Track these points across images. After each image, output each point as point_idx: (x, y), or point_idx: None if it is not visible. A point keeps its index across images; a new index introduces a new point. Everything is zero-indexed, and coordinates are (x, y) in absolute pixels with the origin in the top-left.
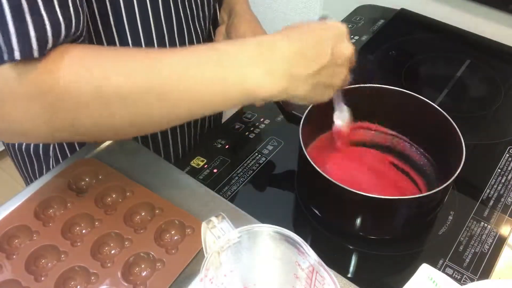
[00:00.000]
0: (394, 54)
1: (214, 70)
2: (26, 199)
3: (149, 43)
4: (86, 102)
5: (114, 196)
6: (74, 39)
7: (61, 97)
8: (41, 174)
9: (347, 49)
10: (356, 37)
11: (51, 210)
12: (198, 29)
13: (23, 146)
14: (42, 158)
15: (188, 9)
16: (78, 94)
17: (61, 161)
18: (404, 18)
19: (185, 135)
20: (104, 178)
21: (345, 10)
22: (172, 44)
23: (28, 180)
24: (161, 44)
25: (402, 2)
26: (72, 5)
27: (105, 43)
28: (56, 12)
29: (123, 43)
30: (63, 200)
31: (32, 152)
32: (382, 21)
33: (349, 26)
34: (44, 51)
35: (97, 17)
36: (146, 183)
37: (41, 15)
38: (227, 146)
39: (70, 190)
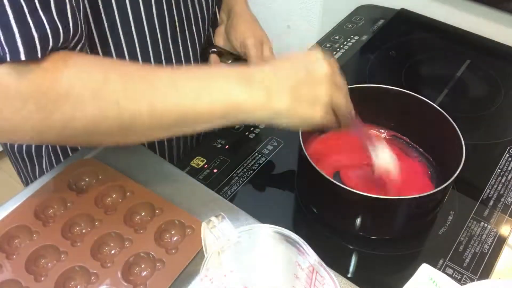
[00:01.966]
0: (394, 54)
1: (201, 83)
2: (26, 199)
3: (143, 45)
4: (82, 104)
5: (114, 196)
6: (73, 45)
7: (58, 98)
8: (34, 174)
9: (321, 67)
10: (356, 37)
11: (51, 210)
12: (195, 31)
13: (16, 148)
14: (35, 159)
15: (183, 11)
16: (76, 96)
17: (53, 161)
18: (404, 18)
19: (185, 137)
20: (104, 178)
21: (345, 10)
22: (165, 45)
23: (25, 181)
24: (155, 45)
25: (402, 2)
26: (70, 11)
27: (98, 46)
28: (54, 17)
29: (118, 46)
30: (63, 200)
31: (25, 154)
32: (382, 21)
33: (349, 26)
34: (45, 52)
35: (90, 19)
36: (146, 183)
37: (41, 18)
38: (227, 146)
39: (70, 190)
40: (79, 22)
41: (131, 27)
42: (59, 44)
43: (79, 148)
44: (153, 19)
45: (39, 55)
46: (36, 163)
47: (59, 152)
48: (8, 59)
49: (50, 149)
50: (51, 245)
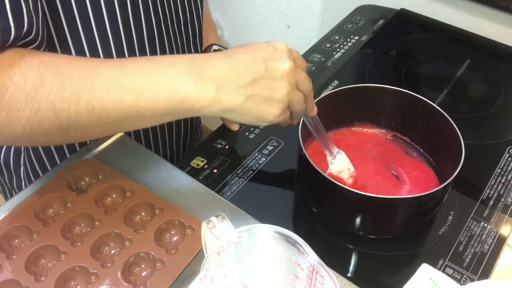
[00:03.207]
0: (394, 54)
1: (145, 77)
2: (26, 199)
3: (118, 45)
4: (17, 107)
5: (114, 196)
6: (27, 42)
7: None
8: (12, 184)
9: (283, 64)
10: (356, 37)
11: (51, 210)
12: (171, 34)
13: None
14: (12, 169)
15: (160, 14)
16: (10, 99)
17: (30, 171)
18: (404, 18)
19: (185, 137)
20: (104, 178)
21: (345, 10)
22: (142, 48)
23: (2, 191)
24: (130, 44)
25: (402, 2)
26: (26, 8)
27: (71, 47)
28: (7, 13)
29: (92, 49)
30: (63, 200)
31: (2, 163)
32: (382, 21)
33: (349, 26)
34: None
35: (63, 21)
36: (146, 183)
37: None
38: (227, 147)
39: (70, 190)
40: (34, 20)
41: (107, 30)
42: (9, 42)
43: (58, 162)
44: (129, 22)
45: None
46: (13, 173)
47: (34, 162)
48: None
49: (27, 159)
50: (51, 245)
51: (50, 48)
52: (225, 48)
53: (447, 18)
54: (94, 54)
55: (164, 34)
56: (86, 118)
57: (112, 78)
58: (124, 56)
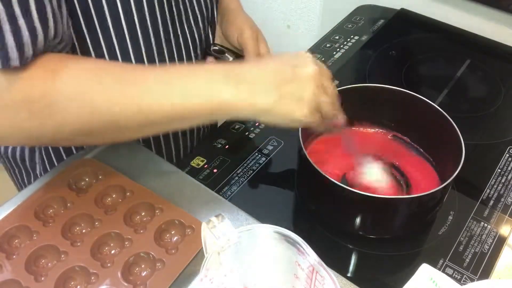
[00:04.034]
0: (394, 54)
1: (189, 84)
2: (26, 199)
3: (135, 45)
4: (75, 110)
5: (114, 196)
6: (55, 45)
7: (51, 106)
8: (29, 180)
9: (309, 68)
10: (356, 37)
11: (51, 210)
12: (188, 31)
13: (10, 154)
14: (28, 165)
15: (175, 11)
16: (68, 102)
17: (47, 167)
18: (404, 18)
19: (185, 137)
20: (104, 178)
21: (345, 10)
22: (159, 44)
23: (19, 186)
24: (147, 43)
25: (402, 2)
26: (51, 10)
27: (90, 47)
28: (32, 17)
29: (109, 47)
30: (63, 200)
31: (19, 160)
32: (382, 21)
33: (349, 26)
34: (23, 60)
35: (82, 23)
36: (146, 183)
37: (17, 23)
38: (227, 146)
39: (70, 190)
40: (61, 25)
41: (123, 29)
42: (40, 46)
43: (74, 152)
44: (146, 21)
45: (17, 63)
46: (30, 169)
47: (53, 158)
48: None
49: (44, 155)
50: (51, 245)
51: (71, 49)
52: (224, 48)
53: (447, 18)
54: (111, 49)
55: (179, 30)
56: (137, 120)
57: (163, 84)
58: (140, 50)
